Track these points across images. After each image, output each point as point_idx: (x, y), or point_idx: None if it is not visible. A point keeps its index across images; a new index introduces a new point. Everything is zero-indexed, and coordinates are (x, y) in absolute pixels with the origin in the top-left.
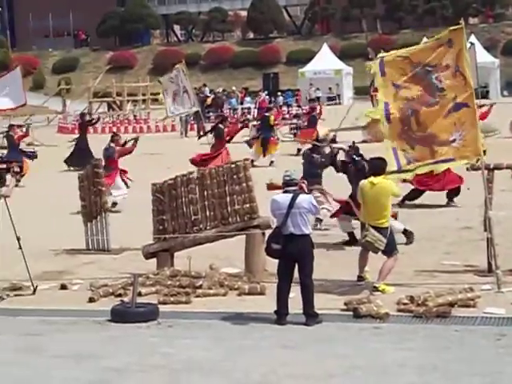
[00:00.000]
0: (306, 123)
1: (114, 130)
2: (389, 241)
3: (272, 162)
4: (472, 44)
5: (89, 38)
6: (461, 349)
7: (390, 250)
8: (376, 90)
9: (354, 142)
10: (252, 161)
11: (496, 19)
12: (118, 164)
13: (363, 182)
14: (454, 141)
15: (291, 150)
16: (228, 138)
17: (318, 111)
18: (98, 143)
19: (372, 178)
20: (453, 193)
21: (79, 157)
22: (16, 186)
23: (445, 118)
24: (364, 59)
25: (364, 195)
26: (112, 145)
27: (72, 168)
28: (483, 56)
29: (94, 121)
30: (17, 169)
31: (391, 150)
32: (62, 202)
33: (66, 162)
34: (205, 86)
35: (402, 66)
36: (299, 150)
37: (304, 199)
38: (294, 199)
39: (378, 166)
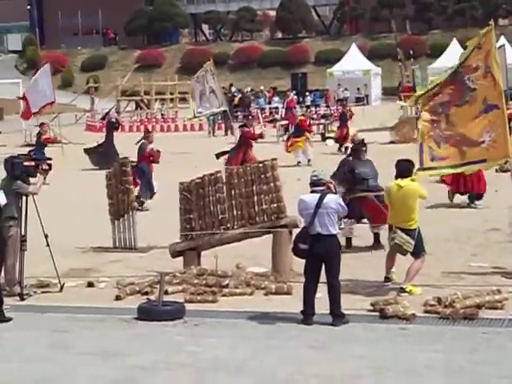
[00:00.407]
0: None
1: (142, 128)
2: (416, 242)
3: (299, 162)
4: (502, 45)
5: (117, 36)
6: (488, 351)
7: (417, 251)
8: (404, 90)
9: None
10: (308, 160)
11: None
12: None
13: (390, 185)
14: (483, 142)
15: (320, 150)
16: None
17: (349, 112)
18: (125, 142)
19: (399, 181)
20: (476, 195)
21: (104, 156)
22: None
23: (476, 119)
24: (393, 60)
25: (391, 198)
26: (144, 141)
27: (94, 166)
28: None
29: (116, 125)
30: (45, 166)
31: (418, 146)
32: (89, 199)
33: (86, 151)
34: (231, 85)
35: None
36: (346, 148)
37: (331, 199)
38: (321, 199)
39: (404, 168)
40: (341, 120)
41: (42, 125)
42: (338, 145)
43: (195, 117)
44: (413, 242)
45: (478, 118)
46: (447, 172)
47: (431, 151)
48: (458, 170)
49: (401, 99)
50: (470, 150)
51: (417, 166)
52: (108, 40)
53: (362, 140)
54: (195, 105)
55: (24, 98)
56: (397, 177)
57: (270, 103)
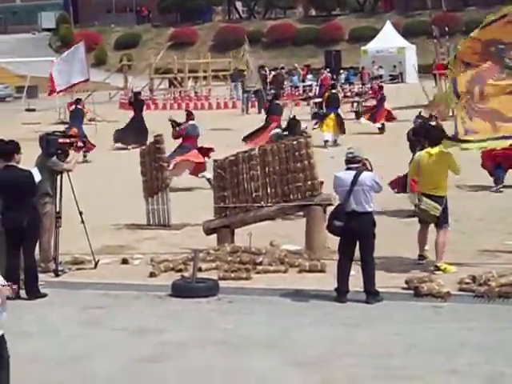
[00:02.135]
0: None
1: (176, 106)
2: (443, 211)
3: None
4: None
5: (150, 13)
6: None
7: (441, 221)
8: (438, 67)
9: (420, 112)
10: (335, 141)
11: None
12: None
13: (420, 153)
14: None
15: (354, 129)
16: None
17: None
18: (158, 119)
19: (429, 149)
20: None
21: (134, 134)
22: (85, 161)
23: (509, 95)
24: (428, 37)
25: (421, 165)
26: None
27: (123, 145)
28: None
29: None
30: (80, 144)
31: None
32: (123, 177)
33: (116, 134)
34: (263, 67)
35: (471, 45)
36: (381, 126)
37: (367, 176)
38: (356, 176)
39: (435, 136)
40: (381, 101)
41: (78, 101)
42: (371, 123)
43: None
44: (440, 208)
45: (511, 94)
46: (479, 147)
47: (463, 124)
48: (491, 145)
49: (435, 77)
50: (504, 126)
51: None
52: (141, 17)
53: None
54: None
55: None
56: (428, 145)
57: (303, 81)
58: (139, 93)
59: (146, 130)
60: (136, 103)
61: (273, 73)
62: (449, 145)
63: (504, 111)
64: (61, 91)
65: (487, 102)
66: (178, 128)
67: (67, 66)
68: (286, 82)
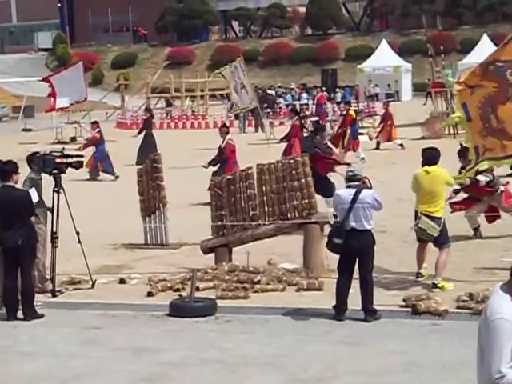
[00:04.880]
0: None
1: (172, 125)
2: (442, 232)
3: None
4: None
5: (147, 33)
6: None
7: (442, 241)
8: (435, 86)
9: (318, 121)
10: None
11: None
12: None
13: (418, 172)
14: None
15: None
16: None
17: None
18: (156, 139)
19: (426, 167)
20: None
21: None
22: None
23: None
24: (423, 55)
25: (418, 184)
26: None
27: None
28: None
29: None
30: (76, 164)
31: (473, 149)
32: (121, 196)
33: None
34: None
35: (473, 69)
36: (379, 143)
37: (367, 194)
38: (357, 194)
39: (431, 155)
40: (385, 120)
41: (94, 124)
42: (370, 141)
43: (233, 110)
44: (437, 227)
45: None
46: (491, 164)
47: (484, 147)
48: (501, 163)
49: (430, 95)
50: (510, 144)
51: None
52: (138, 37)
53: None
54: (235, 98)
55: (52, 91)
56: (423, 164)
57: (299, 99)
58: (151, 109)
59: (156, 147)
60: (147, 121)
61: (259, 92)
62: (473, 170)
63: (509, 128)
64: (60, 109)
65: (503, 123)
66: None
67: (66, 84)
68: (281, 101)
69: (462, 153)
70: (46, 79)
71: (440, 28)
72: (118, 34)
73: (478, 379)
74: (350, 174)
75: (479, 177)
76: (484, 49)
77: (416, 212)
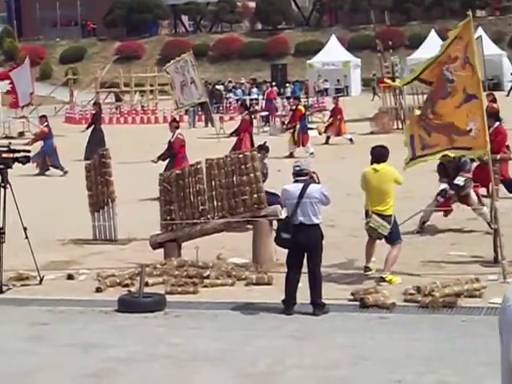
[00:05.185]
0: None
1: (122, 120)
2: (392, 229)
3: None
4: (479, 36)
5: (96, 27)
6: (467, 339)
7: (393, 238)
8: (383, 81)
9: (265, 142)
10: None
11: (503, 12)
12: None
13: (366, 170)
14: (470, 130)
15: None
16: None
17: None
18: (105, 133)
19: (375, 165)
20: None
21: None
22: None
23: (458, 109)
24: (372, 51)
25: (367, 182)
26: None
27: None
28: (490, 48)
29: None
30: (23, 159)
31: (409, 138)
32: (69, 191)
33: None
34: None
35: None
36: (328, 137)
37: (315, 189)
38: (304, 189)
39: (380, 153)
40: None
41: (42, 118)
42: (319, 135)
43: (178, 108)
44: (388, 226)
45: (460, 107)
46: (433, 158)
47: (422, 140)
48: (443, 153)
49: (375, 93)
50: (460, 139)
51: (409, 156)
52: (87, 31)
53: None
54: (176, 95)
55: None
56: (372, 162)
57: (249, 94)
58: (99, 104)
59: (104, 142)
60: (96, 115)
61: (209, 87)
62: (411, 164)
63: (457, 124)
64: (24, 106)
65: (442, 117)
66: None
67: (21, 81)
68: (231, 96)
69: (440, 169)
70: (5, 75)
71: (388, 23)
72: (66, 28)
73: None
74: (297, 168)
75: (457, 180)
76: (432, 44)
77: (366, 210)
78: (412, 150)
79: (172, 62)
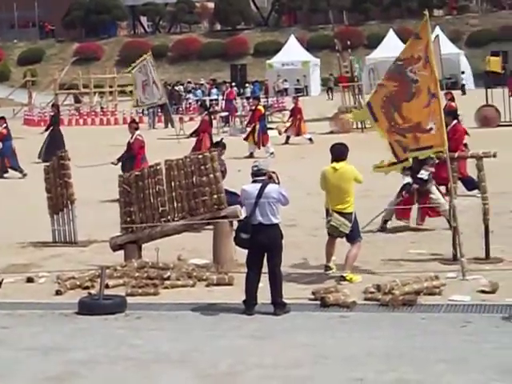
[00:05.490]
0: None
1: (81, 122)
2: (353, 227)
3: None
4: (436, 36)
5: (54, 29)
6: (426, 336)
7: (353, 236)
8: (342, 80)
9: (222, 139)
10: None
11: (460, 11)
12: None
13: (325, 168)
14: (431, 129)
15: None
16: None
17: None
18: (65, 135)
19: (334, 164)
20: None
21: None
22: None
23: (427, 108)
24: (331, 51)
25: (327, 181)
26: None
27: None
28: (448, 47)
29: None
30: None
31: (389, 144)
32: (28, 193)
33: (39, 156)
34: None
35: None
36: (288, 137)
37: (273, 189)
38: (262, 189)
39: (339, 151)
40: (294, 114)
41: (0, 119)
42: (279, 135)
43: (138, 105)
44: (349, 224)
45: (428, 106)
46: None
47: (400, 143)
48: (413, 155)
49: (328, 93)
50: (423, 136)
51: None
52: (45, 33)
53: None
54: (137, 94)
55: None
56: (332, 161)
57: (209, 95)
58: (58, 106)
59: (64, 144)
60: (55, 117)
61: (168, 88)
62: (399, 168)
63: (422, 122)
64: None
65: (410, 120)
66: None
67: None
68: (191, 96)
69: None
70: None
71: (347, 23)
72: (24, 29)
73: None
74: (255, 169)
75: (420, 174)
76: (390, 44)
77: (327, 209)
78: (395, 156)
79: (136, 63)
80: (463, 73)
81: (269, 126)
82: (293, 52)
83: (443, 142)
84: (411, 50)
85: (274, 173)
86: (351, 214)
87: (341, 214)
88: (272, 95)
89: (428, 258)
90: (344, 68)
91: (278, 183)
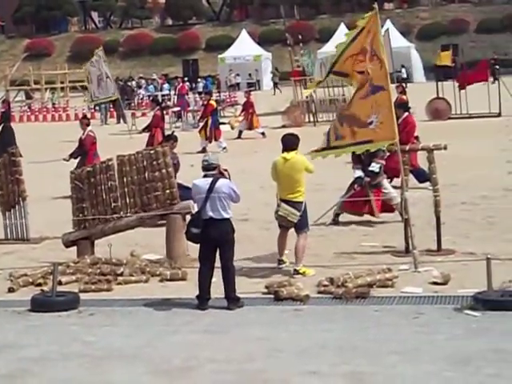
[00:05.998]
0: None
1: (33, 118)
2: (302, 216)
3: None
4: (387, 29)
5: (4, 25)
6: (379, 328)
7: (301, 226)
8: (294, 74)
9: (173, 132)
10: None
11: (410, 4)
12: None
13: (276, 159)
14: (371, 123)
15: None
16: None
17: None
18: (17, 132)
19: (285, 154)
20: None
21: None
22: None
23: (363, 100)
24: (283, 45)
25: (277, 171)
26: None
27: None
28: (399, 41)
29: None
30: None
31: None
32: None
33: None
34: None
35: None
36: (241, 132)
37: (223, 184)
38: (213, 183)
39: (290, 142)
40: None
41: None
42: (232, 130)
43: (92, 100)
44: (297, 213)
45: (365, 98)
46: (343, 152)
47: (336, 130)
48: (350, 150)
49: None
50: (360, 131)
51: (323, 146)
52: None
53: None
54: (91, 89)
55: None
56: (283, 151)
57: (161, 90)
58: (9, 102)
59: (15, 140)
60: (6, 113)
61: (120, 83)
62: (325, 154)
63: (359, 116)
64: None
65: (350, 108)
66: None
67: None
68: (143, 92)
69: (354, 156)
70: None
71: (298, 18)
72: None
73: None
74: (205, 163)
75: (371, 167)
76: (342, 37)
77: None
78: (327, 141)
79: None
80: (403, 66)
81: (221, 120)
82: (245, 46)
83: (393, 135)
84: (361, 40)
85: (226, 170)
86: (301, 203)
87: (291, 202)
88: (224, 90)
89: (380, 251)
90: (295, 62)
91: (229, 178)
